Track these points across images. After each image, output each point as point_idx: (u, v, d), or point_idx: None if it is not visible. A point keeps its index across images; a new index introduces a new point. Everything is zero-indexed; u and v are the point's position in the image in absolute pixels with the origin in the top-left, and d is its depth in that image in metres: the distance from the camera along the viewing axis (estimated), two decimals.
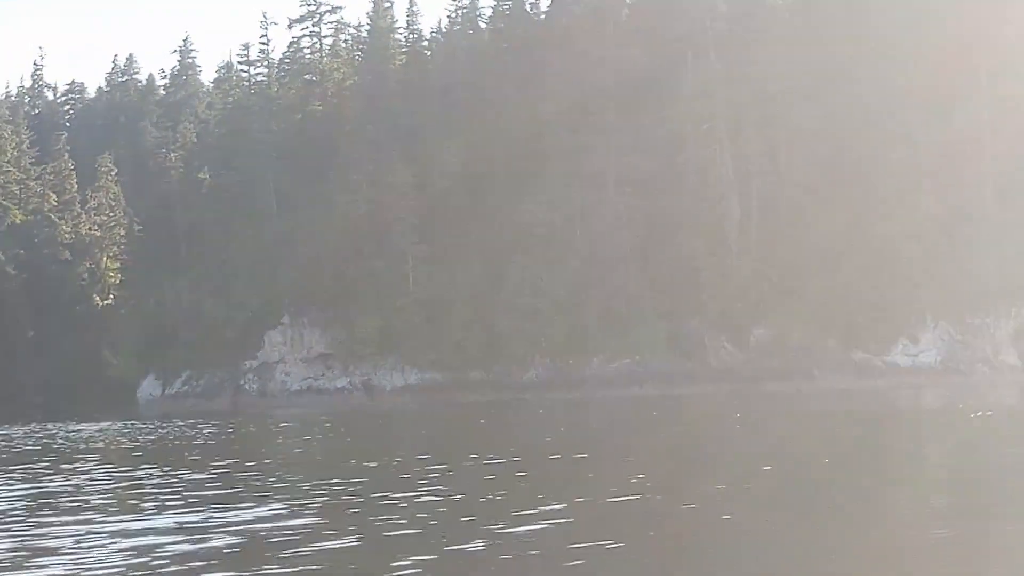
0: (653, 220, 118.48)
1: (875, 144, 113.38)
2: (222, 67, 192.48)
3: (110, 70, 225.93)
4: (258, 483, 35.17)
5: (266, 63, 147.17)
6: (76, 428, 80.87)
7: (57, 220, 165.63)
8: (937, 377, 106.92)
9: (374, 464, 40.81)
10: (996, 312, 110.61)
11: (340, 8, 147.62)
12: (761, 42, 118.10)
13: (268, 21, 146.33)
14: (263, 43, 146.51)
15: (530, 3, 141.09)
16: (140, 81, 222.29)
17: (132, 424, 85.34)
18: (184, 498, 30.86)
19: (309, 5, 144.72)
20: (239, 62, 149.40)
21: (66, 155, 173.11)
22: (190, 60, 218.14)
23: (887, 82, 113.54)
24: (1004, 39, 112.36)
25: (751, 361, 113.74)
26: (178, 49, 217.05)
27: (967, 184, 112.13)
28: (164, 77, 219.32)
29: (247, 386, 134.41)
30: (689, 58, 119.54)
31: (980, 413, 54.93)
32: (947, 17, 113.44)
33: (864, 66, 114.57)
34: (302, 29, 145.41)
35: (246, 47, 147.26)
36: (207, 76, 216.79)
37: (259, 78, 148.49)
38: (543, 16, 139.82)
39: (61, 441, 64.63)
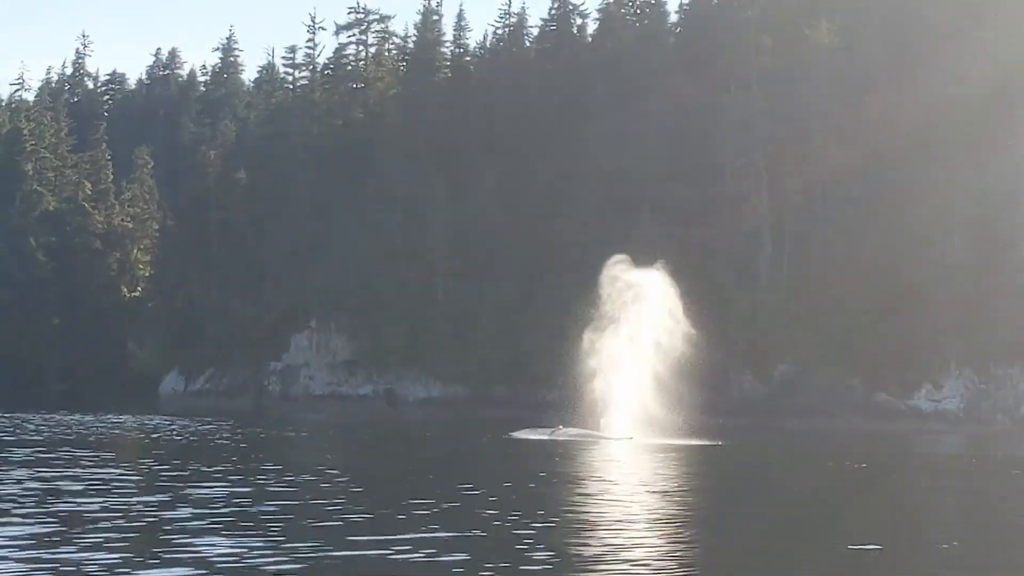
0: (685, 248, 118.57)
1: (911, 188, 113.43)
2: (263, 68, 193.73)
3: (151, 63, 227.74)
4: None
5: (310, 67, 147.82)
6: (100, 420, 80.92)
7: (91, 209, 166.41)
8: (958, 425, 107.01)
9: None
10: (1021, 363, 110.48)
11: (389, 18, 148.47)
12: (804, 79, 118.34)
13: (316, 25, 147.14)
14: (309, 47, 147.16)
15: (577, 26, 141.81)
16: (181, 76, 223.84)
17: (152, 421, 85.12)
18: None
19: (358, 13, 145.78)
20: (284, 64, 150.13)
21: (104, 145, 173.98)
22: (232, 59, 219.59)
23: (926, 126, 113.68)
24: None
25: (773, 396, 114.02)
26: (221, 47, 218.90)
27: (1000, 233, 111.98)
28: (205, 73, 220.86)
29: (271, 387, 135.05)
30: (732, 90, 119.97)
31: None
32: (988, 64, 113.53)
33: (905, 108, 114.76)
34: (349, 36, 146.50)
35: (292, 50, 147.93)
36: (248, 75, 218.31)
37: (302, 82, 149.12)
38: (589, 39, 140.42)
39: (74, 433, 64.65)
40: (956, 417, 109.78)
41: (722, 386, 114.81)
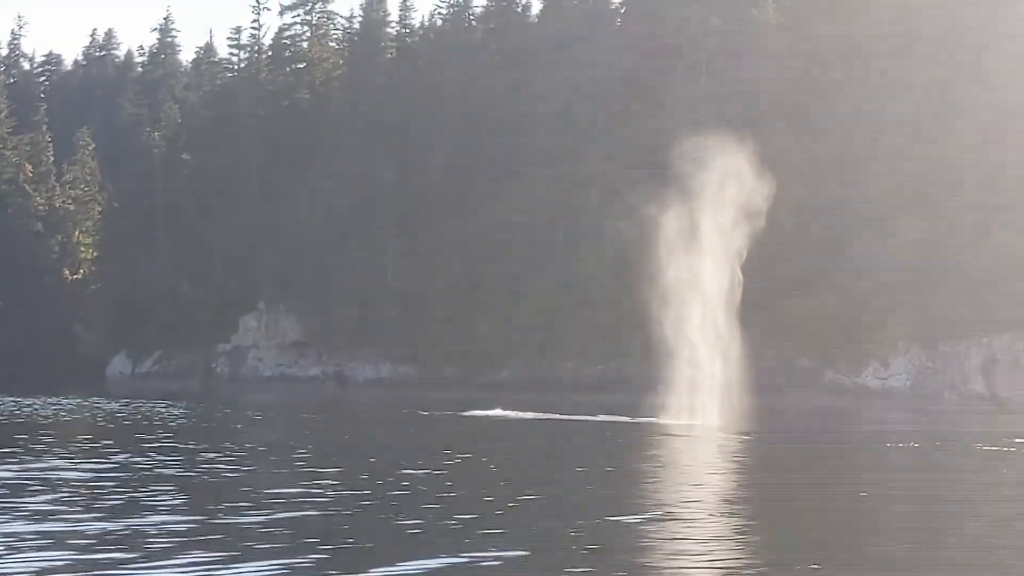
0: (634, 228, 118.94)
1: (858, 168, 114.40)
2: (202, 48, 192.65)
3: (88, 44, 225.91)
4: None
5: (256, 48, 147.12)
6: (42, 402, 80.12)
7: (31, 191, 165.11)
8: (906, 401, 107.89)
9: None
10: (968, 340, 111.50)
11: None
12: (751, 59, 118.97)
13: (260, 6, 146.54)
14: (254, 28, 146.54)
15: (522, 5, 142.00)
16: (118, 57, 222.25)
17: (99, 402, 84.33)
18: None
19: None
20: (229, 45, 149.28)
21: (44, 127, 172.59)
22: (170, 39, 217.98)
23: (872, 107, 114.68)
24: (988, 70, 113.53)
25: (724, 374, 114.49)
26: (158, 27, 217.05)
27: (946, 212, 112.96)
28: (143, 54, 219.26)
29: (219, 369, 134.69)
30: (679, 70, 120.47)
31: None
32: (933, 46, 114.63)
33: (850, 89, 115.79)
34: (294, 16, 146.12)
35: (237, 30, 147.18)
36: (186, 56, 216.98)
37: (247, 63, 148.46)
38: (535, 19, 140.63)
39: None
40: (904, 394, 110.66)
41: (673, 364, 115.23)
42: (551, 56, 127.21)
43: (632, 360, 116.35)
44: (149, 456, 38.48)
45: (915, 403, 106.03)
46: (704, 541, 22.87)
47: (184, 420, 63.79)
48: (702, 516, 26.47)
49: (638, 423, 64.53)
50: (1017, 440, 56.43)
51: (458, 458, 40.66)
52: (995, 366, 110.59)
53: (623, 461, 42.90)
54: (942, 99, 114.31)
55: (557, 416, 70.73)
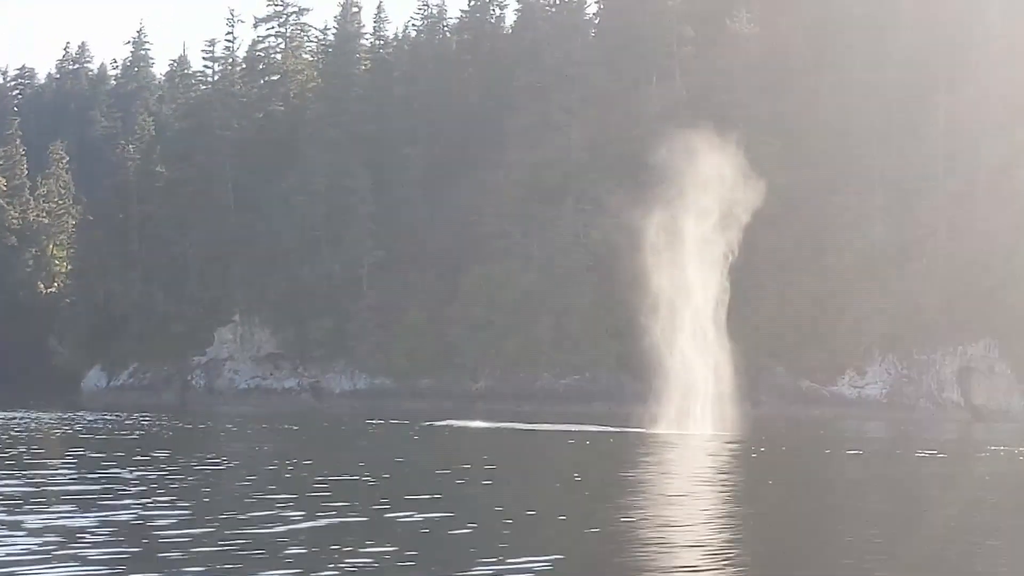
0: (609, 238, 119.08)
1: (832, 175, 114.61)
2: (175, 61, 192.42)
3: (61, 57, 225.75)
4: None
5: (230, 60, 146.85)
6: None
7: (5, 205, 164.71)
8: (881, 410, 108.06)
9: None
10: (943, 349, 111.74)
11: (307, 10, 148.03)
12: (725, 69, 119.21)
13: (235, 19, 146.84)
14: (228, 40, 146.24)
15: (496, 16, 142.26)
16: (92, 70, 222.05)
17: (77, 416, 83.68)
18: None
19: (276, 5, 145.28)
20: (204, 58, 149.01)
21: (18, 140, 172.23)
22: (143, 52, 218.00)
23: (846, 114, 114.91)
24: (962, 76, 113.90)
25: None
26: (132, 40, 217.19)
27: (921, 220, 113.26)
28: (116, 67, 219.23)
29: (195, 382, 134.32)
30: (654, 80, 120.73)
31: None
32: (907, 53, 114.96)
33: (824, 97, 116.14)
34: (268, 29, 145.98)
35: (211, 43, 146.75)
36: (159, 69, 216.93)
37: (221, 75, 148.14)
38: (509, 30, 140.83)
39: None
40: (879, 403, 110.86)
41: (647, 374, 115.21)
42: (525, 67, 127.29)
43: (606, 370, 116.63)
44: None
45: (891, 412, 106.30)
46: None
47: (169, 431, 63.70)
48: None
49: (639, 433, 63.26)
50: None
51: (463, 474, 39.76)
52: (970, 374, 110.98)
53: (657, 473, 42.18)
54: (915, 106, 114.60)
55: (550, 427, 69.77)
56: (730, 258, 69.77)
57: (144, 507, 26.61)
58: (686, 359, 67.26)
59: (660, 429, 64.25)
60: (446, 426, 69.88)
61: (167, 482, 33.34)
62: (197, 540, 22.08)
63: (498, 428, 69.15)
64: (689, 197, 68.14)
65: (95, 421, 72.84)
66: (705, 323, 68.21)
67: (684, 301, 68.10)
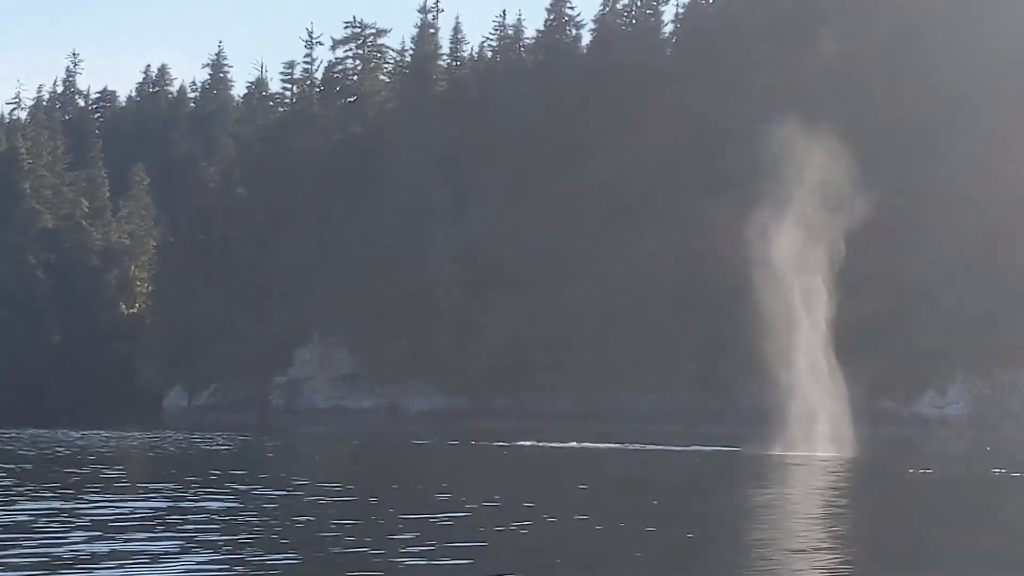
0: (689, 257, 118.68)
1: (916, 191, 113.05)
2: (253, 83, 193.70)
3: (141, 80, 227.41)
4: None
5: (307, 82, 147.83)
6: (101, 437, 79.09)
7: (88, 227, 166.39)
8: (963, 431, 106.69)
9: None
10: None
11: (385, 32, 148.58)
12: (805, 86, 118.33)
13: (313, 40, 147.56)
14: (307, 62, 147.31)
15: (573, 36, 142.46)
16: (171, 92, 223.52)
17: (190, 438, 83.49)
18: None
19: (355, 28, 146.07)
20: (282, 79, 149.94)
21: (100, 162, 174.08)
22: (222, 75, 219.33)
23: (928, 130, 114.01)
24: None
25: (777, 403, 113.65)
26: (210, 62, 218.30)
27: (1005, 236, 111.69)
28: (195, 90, 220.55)
29: (275, 402, 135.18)
30: (733, 98, 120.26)
31: None
32: (990, 66, 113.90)
33: (905, 114, 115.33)
34: (345, 50, 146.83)
35: (290, 65, 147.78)
36: (237, 91, 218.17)
37: (299, 97, 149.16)
38: (585, 50, 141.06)
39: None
40: (960, 423, 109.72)
41: (728, 394, 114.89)
42: (601, 85, 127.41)
43: (685, 389, 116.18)
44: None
45: (973, 432, 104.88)
46: None
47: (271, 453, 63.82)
48: None
49: (768, 455, 59.55)
50: None
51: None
52: None
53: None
54: (1000, 119, 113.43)
55: (659, 447, 66.41)
56: (837, 264, 67.25)
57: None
58: (806, 377, 64.04)
59: (779, 450, 60.95)
60: (573, 448, 66.29)
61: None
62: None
63: (655, 450, 65.16)
64: (795, 193, 63.91)
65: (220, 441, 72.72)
66: (820, 339, 65.51)
67: (801, 317, 65.20)
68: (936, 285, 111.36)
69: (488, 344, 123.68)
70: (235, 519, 28.10)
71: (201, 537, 24.29)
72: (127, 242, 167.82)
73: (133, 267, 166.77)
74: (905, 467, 55.37)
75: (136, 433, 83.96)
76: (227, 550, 22.85)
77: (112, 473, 45.40)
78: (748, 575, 21.78)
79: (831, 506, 36.03)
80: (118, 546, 22.88)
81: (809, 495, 40.38)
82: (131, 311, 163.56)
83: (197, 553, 22.14)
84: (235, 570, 20.60)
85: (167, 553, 22.00)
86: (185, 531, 25.18)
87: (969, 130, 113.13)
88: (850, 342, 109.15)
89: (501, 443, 70.03)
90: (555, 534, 26.44)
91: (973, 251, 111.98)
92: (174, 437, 77.35)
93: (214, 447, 65.37)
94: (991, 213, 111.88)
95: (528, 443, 69.90)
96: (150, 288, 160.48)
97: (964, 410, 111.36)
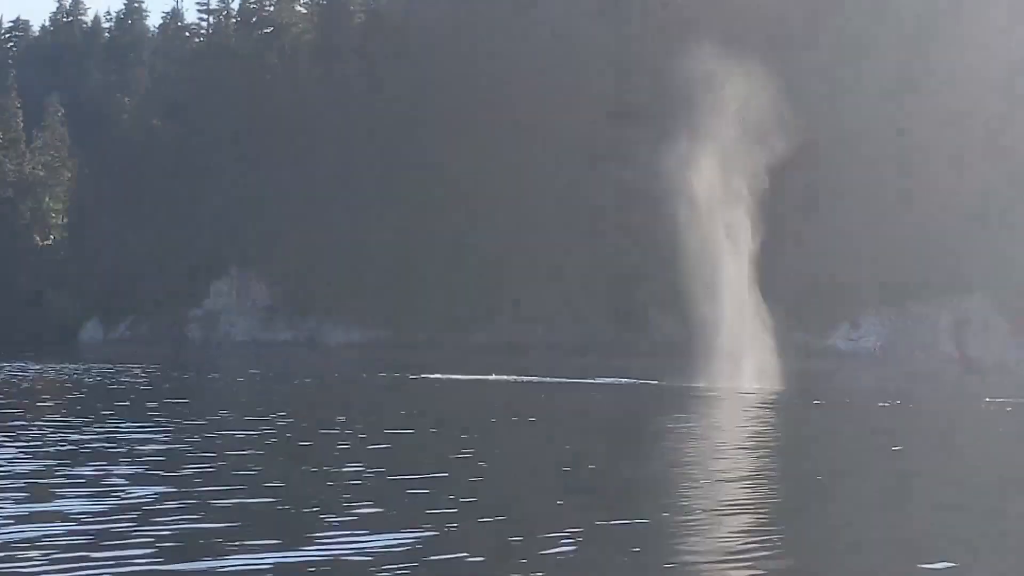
0: (607, 192, 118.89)
1: (837, 123, 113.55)
2: (168, 14, 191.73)
3: (55, 9, 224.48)
4: None
5: (224, 13, 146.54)
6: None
7: (1, 158, 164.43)
8: (875, 364, 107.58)
9: None
10: (938, 302, 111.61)
11: None
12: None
13: None
14: None
15: None
16: (86, 22, 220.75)
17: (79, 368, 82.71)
18: None
19: None
20: (199, 10, 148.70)
21: (13, 93, 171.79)
22: (137, 4, 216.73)
23: (851, 69, 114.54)
24: (961, 33, 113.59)
25: (692, 338, 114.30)
26: None
27: (917, 171, 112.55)
28: (110, 19, 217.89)
29: (191, 334, 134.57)
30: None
31: None
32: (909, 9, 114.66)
33: (828, 47, 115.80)
34: None
35: None
36: (152, 21, 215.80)
37: (216, 28, 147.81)
38: None
39: None
40: (872, 356, 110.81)
41: (642, 327, 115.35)
42: (522, 7, 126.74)
43: (600, 324, 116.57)
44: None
45: (886, 365, 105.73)
46: None
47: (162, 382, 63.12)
48: None
49: (691, 388, 58.18)
50: None
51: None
52: (966, 327, 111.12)
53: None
54: (913, 63, 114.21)
55: (579, 380, 65.07)
56: (760, 196, 65.44)
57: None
58: (732, 312, 63.53)
59: (703, 384, 59.69)
60: (441, 379, 64.84)
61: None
62: None
63: (525, 382, 63.59)
64: (721, 128, 62.26)
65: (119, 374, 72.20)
66: (744, 274, 64.86)
67: (728, 252, 64.67)
68: (851, 220, 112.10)
69: (409, 277, 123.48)
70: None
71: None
72: (41, 173, 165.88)
73: (47, 198, 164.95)
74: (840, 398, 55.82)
75: (56, 365, 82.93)
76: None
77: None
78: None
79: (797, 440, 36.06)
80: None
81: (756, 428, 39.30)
82: (46, 243, 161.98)
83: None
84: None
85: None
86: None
87: (888, 60, 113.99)
88: (767, 276, 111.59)
89: (436, 375, 68.08)
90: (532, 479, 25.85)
91: (889, 187, 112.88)
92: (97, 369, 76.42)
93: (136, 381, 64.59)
94: (908, 148, 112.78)
95: (442, 376, 68.61)
96: (65, 220, 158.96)
97: (876, 343, 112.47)
